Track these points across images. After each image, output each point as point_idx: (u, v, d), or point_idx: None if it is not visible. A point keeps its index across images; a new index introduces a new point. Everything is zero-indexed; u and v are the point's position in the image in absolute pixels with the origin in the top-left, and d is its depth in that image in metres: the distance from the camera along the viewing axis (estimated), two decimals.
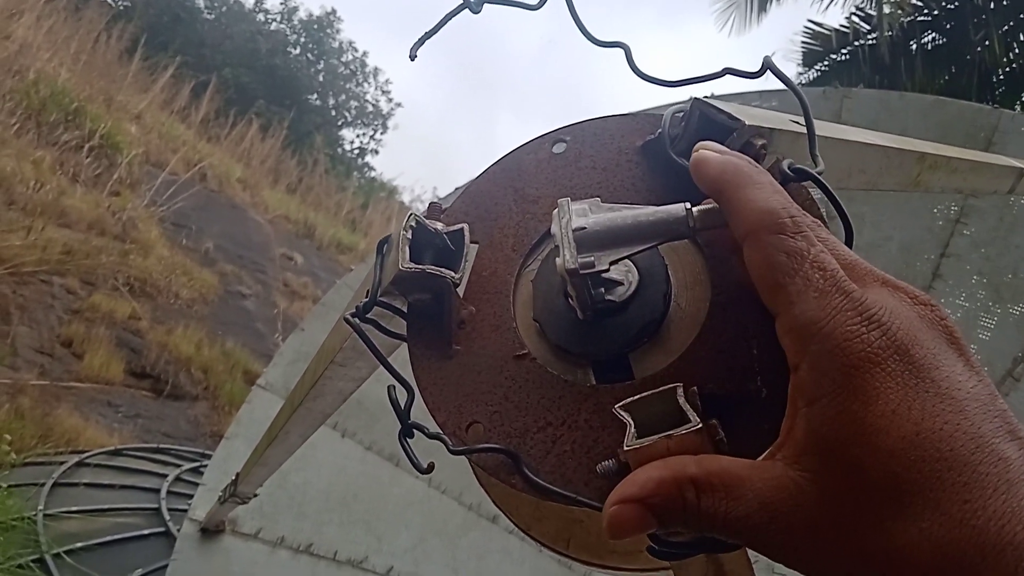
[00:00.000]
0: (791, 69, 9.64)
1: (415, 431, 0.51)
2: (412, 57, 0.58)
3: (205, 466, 2.97)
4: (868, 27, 8.79)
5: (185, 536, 2.61)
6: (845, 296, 0.38)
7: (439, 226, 0.53)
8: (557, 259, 0.45)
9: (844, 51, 9.02)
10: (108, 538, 4.24)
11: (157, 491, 4.75)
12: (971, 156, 0.86)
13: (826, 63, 9.21)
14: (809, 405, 0.38)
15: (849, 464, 0.36)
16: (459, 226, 0.53)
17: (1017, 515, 0.33)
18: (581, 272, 0.44)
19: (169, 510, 4.51)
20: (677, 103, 0.55)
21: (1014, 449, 0.35)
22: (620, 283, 0.49)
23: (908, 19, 8.55)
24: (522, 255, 0.55)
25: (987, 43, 8.03)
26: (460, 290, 0.53)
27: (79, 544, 4.15)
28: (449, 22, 0.61)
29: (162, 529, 4.37)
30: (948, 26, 8.46)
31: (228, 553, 2.59)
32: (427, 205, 0.56)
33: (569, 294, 0.47)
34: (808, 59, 9.34)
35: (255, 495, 1.95)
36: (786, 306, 0.40)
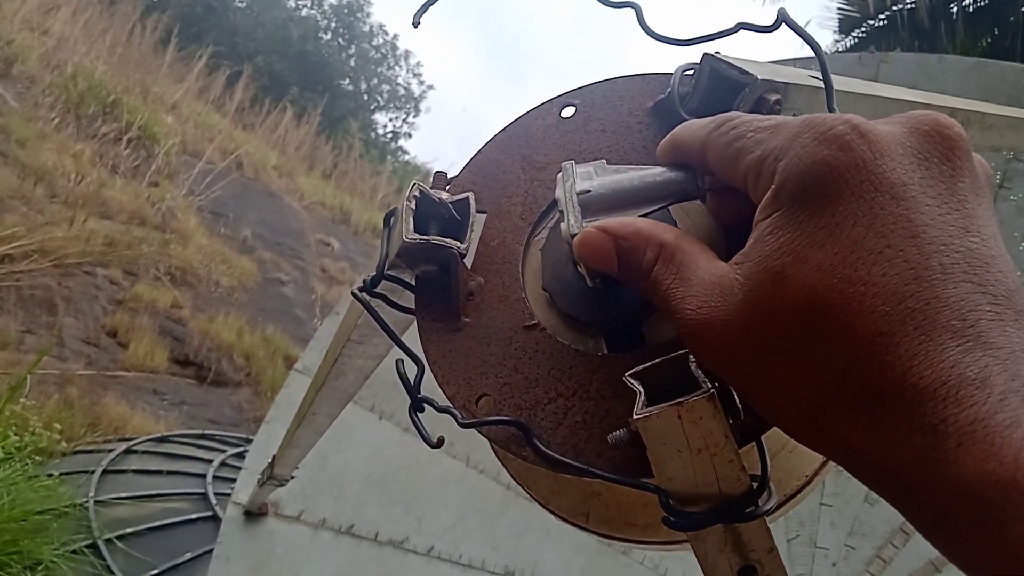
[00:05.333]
0: (828, 36, 9.45)
1: (425, 405, 0.50)
2: (415, 24, 0.56)
3: (249, 450, 3.02)
4: None
5: (229, 519, 2.67)
6: (801, 123, 0.36)
7: (444, 196, 0.52)
8: (562, 224, 0.43)
9: (882, 16, 8.82)
10: (157, 523, 4.34)
11: (203, 476, 4.84)
12: (1008, 112, 0.82)
13: (863, 29, 9.02)
14: (765, 217, 0.36)
15: (775, 273, 0.34)
16: (464, 195, 0.52)
17: (929, 358, 0.30)
18: None
19: (216, 495, 4.60)
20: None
21: (964, 290, 0.32)
22: None
23: None
24: (530, 223, 0.53)
25: None
26: (467, 261, 0.52)
27: (129, 529, 4.25)
28: None
29: (209, 513, 4.46)
30: None
31: (271, 535, 2.64)
32: (432, 175, 0.55)
33: (577, 262, 0.46)
34: (845, 26, 9.15)
35: (292, 477, 1.97)
36: (748, 160, 0.38)
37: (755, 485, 0.42)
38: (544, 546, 2.73)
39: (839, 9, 9.12)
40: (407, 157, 25.50)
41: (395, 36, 24.63)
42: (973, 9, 8.37)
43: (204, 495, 4.63)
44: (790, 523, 2.54)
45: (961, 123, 0.75)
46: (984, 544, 0.29)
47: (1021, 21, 7.83)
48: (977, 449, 0.29)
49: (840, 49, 9.07)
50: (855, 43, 9.05)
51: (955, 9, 8.30)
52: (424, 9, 0.57)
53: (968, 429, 0.29)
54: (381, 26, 24.80)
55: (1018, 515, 0.27)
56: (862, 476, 0.34)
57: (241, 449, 5.29)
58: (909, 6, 8.49)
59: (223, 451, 5.33)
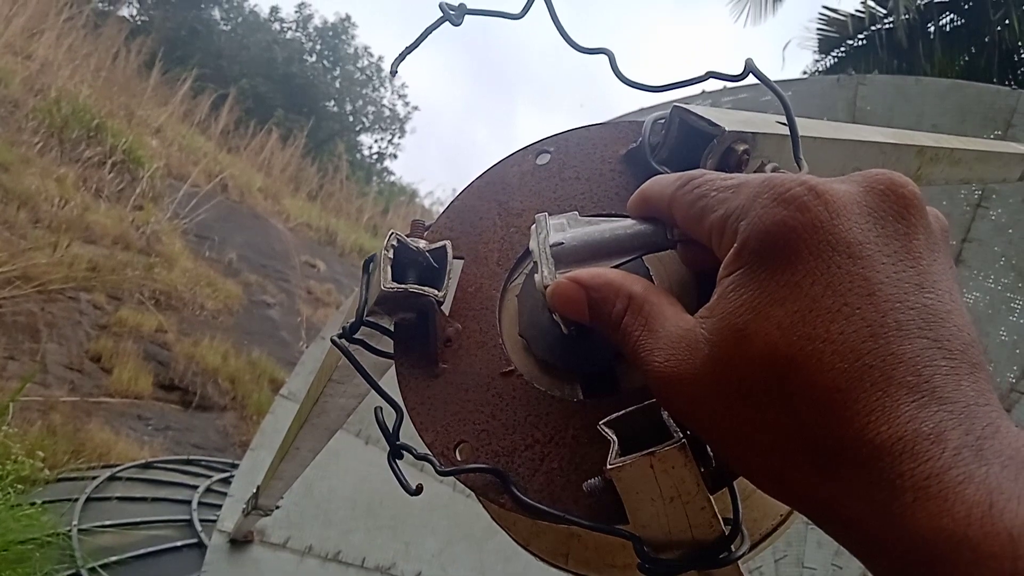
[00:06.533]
0: (807, 57, 9.56)
1: (404, 452, 0.50)
2: (393, 72, 0.57)
3: (234, 477, 3.00)
4: (884, 11, 8.69)
5: (215, 548, 2.64)
6: (760, 183, 0.38)
7: (421, 244, 0.53)
8: (536, 276, 0.44)
9: (860, 36, 8.93)
10: (142, 551, 4.29)
11: (188, 503, 4.80)
12: (975, 145, 0.84)
13: (843, 49, 9.13)
14: (728, 275, 0.37)
15: (737, 330, 0.35)
16: (441, 243, 0.53)
17: (886, 414, 0.31)
18: None
19: (201, 521, 4.56)
20: (687, 99, 0.54)
21: (919, 346, 0.32)
22: None
23: (925, 1, 8.45)
24: (507, 270, 0.54)
25: (1007, 22, 7.92)
26: (445, 307, 0.52)
27: (114, 558, 4.20)
28: (432, 33, 0.61)
29: (194, 540, 4.42)
30: (966, 7, 8.36)
31: (258, 563, 2.61)
32: (410, 223, 0.56)
33: (552, 309, 0.47)
34: (824, 46, 9.26)
35: (277, 507, 1.96)
36: (712, 219, 0.39)
37: (728, 530, 0.43)
38: (531, 571, 2.71)
39: (818, 30, 9.23)
40: (392, 178, 25.63)
41: (380, 58, 24.79)
42: (950, 29, 8.49)
43: (189, 522, 4.59)
44: (777, 543, 2.54)
45: (930, 159, 0.77)
46: None
47: (997, 41, 7.95)
48: (932, 504, 0.29)
49: (820, 69, 9.18)
50: (834, 63, 9.16)
51: (932, 29, 8.42)
52: (401, 58, 0.58)
53: (923, 484, 0.30)
54: (366, 48, 25.03)
55: (968, 572, 0.28)
56: (826, 528, 0.35)
57: (227, 474, 5.25)
58: (887, 26, 8.60)
59: (208, 476, 5.29)
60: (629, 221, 0.45)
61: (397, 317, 0.53)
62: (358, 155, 24.62)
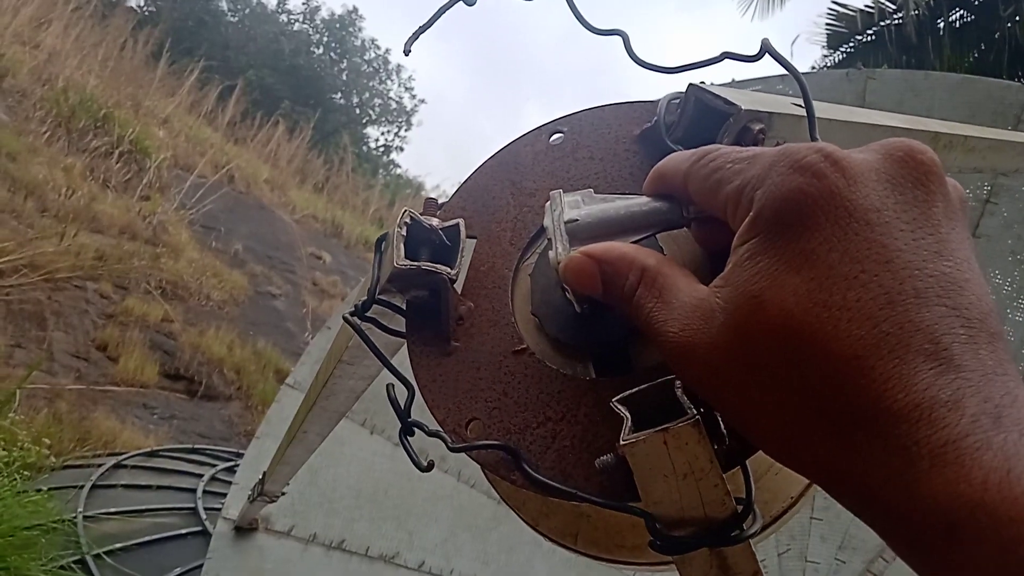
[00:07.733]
0: (816, 52, 9.53)
1: (415, 429, 0.50)
2: (406, 52, 0.57)
3: (239, 465, 3.00)
4: (894, 6, 8.66)
5: (219, 535, 2.64)
6: (776, 153, 0.37)
7: (435, 222, 0.52)
8: (550, 252, 0.44)
9: (870, 32, 8.91)
10: (146, 538, 4.30)
11: (193, 491, 4.81)
12: (989, 134, 0.83)
13: (851, 44, 9.10)
14: (743, 243, 0.37)
15: (752, 297, 0.35)
16: (454, 221, 0.53)
17: (903, 381, 0.31)
18: None
19: (205, 509, 4.57)
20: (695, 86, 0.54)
21: (937, 313, 0.32)
22: None
23: None
24: (520, 249, 0.54)
25: (1017, 19, 7.88)
26: (458, 286, 0.52)
27: (118, 545, 4.21)
28: (445, 14, 0.61)
29: (199, 528, 4.43)
30: (976, 3, 8.31)
31: (262, 551, 2.62)
32: (423, 201, 0.56)
33: (565, 287, 0.47)
34: (833, 41, 9.24)
35: (283, 493, 1.96)
36: (727, 190, 0.39)
37: (740, 509, 0.42)
38: (535, 561, 2.72)
39: (827, 25, 9.20)
40: (399, 170, 25.63)
41: (387, 50, 24.74)
42: (960, 25, 8.46)
43: (194, 510, 4.60)
44: (780, 537, 2.53)
45: (944, 146, 0.77)
46: (955, 565, 0.29)
47: (1007, 37, 7.91)
48: (948, 470, 0.29)
49: (828, 64, 9.15)
50: (843, 58, 9.13)
51: (942, 25, 8.38)
52: (415, 37, 0.58)
53: (940, 451, 0.29)
54: (373, 40, 24.90)
55: (986, 536, 0.28)
56: (841, 497, 0.34)
57: (231, 463, 5.26)
58: (896, 22, 8.57)
59: (213, 465, 5.30)
60: (644, 198, 0.45)
61: (409, 295, 0.53)
62: (364, 147, 24.63)
